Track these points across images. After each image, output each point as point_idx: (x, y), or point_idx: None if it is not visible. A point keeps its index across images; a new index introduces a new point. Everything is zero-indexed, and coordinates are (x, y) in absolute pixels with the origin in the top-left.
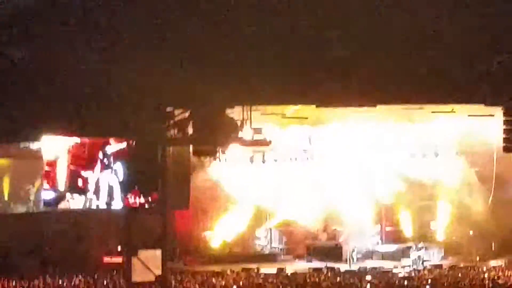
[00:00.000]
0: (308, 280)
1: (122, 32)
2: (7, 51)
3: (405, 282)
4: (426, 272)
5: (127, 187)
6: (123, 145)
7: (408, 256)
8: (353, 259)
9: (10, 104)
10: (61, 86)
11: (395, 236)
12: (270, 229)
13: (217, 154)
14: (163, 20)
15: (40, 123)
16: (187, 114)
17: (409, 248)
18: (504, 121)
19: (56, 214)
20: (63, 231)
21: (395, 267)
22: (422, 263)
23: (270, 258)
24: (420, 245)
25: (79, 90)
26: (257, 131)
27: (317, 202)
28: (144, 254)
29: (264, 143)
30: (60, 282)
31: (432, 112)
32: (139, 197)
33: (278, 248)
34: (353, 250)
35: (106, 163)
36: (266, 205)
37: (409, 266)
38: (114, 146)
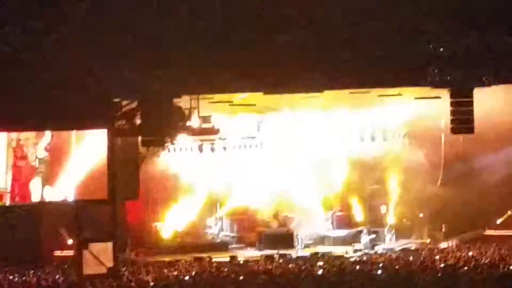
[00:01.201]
0: (260, 268)
1: (67, 20)
2: None
3: (357, 267)
4: (377, 255)
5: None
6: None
7: (359, 241)
8: (303, 245)
9: None
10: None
11: (346, 221)
12: (221, 218)
13: (166, 144)
14: (109, 8)
15: None
16: (134, 105)
17: (360, 232)
18: (451, 102)
19: (5, 208)
20: (13, 225)
21: (347, 252)
22: (373, 247)
23: (221, 246)
24: (370, 229)
25: (20, 81)
26: (206, 119)
27: (268, 190)
28: (95, 246)
29: (213, 131)
30: (10, 278)
31: (379, 95)
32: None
33: (230, 236)
34: (299, 237)
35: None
36: (217, 193)
37: (360, 250)
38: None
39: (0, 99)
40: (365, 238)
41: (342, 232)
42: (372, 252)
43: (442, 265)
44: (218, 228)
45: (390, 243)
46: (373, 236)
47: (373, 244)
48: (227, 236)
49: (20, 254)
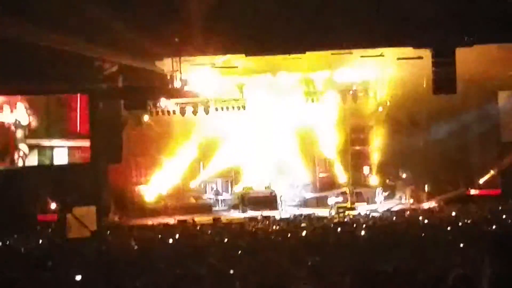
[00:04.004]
0: (244, 229)
1: None
2: None
3: (339, 228)
4: (360, 217)
5: None
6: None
7: (340, 201)
8: (286, 207)
9: None
10: None
11: (330, 183)
12: (205, 180)
13: (148, 107)
14: None
15: None
16: (115, 68)
17: (343, 193)
18: (432, 62)
19: None
20: None
21: (330, 213)
22: (354, 209)
23: (205, 209)
24: (353, 190)
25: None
26: (187, 82)
27: (251, 152)
28: (78, 210)
29: (194, 94)
30: None
31: (361, 56)
32: None
33: (213, 198)
34: (282, 199)
35: None
36: (201, 156)
37: (343, 211)
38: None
39: None
40: (332, 200)
41: (325, 194)
42: (355, 213)
43: (424, 225)
44: (201, 190)
45: (373, 204)
46: (340, 199)
47: (350, 205)
48: (210, 198)
49: (2, 219)
